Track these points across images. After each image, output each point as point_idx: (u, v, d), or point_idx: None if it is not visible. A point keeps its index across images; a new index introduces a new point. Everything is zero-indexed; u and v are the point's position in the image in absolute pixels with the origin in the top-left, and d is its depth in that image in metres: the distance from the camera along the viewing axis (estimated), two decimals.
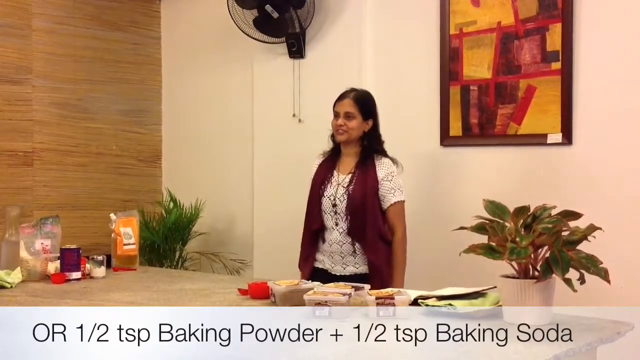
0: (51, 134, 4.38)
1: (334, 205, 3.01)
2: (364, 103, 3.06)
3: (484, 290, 2.19)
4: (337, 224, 3.02)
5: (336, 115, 3.06)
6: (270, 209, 4.17)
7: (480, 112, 3.39)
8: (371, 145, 3.07)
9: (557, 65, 3.15)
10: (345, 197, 3.00)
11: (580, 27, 3.11)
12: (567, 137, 3.14)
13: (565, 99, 3.13)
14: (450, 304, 2.09)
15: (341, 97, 3.08)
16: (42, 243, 3.03)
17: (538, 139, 3.21)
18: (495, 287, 2.09)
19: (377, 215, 3.00)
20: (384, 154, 3.08)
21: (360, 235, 2.99)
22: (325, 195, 3.05)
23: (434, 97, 3.53)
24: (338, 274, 3.01)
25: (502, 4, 3.31)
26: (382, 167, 3.03)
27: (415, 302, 2.19)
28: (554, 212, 2.01)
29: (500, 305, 2.05)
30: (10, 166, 4.21)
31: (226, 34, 4.25)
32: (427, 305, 2.15)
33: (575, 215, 2.02)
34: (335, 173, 3.09)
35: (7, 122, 4.19)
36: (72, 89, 4.48)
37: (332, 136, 3.12)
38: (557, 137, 3.16)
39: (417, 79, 3.62)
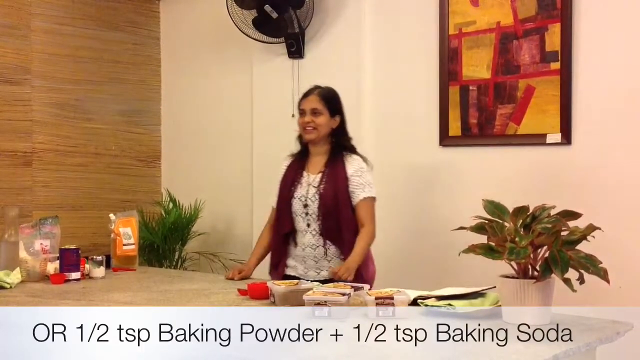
0: (50, 134, 4.38)
1: (306, 206, 2.92)
2: (330, 99, 2.99)
3: (483, 290, 2.19)
4: (309, 226, 2.93)
5: (302, 112, 2.99)
6: (270, 209, 4.16)
7: (479, 112, 3.39)
8: (340, 143, 3.00)
9: (556, 65, 3.15)
10: (317, 197, 2.91)
11: (579, 27, 3.11)
12: (566, 137, 3.14)
13: (564, 99, 3.14)
14: (449, 304, 2.09)
15: (306, 95, 3.02)
16: (41, 243, 3.04)
17: (537, 139, 3.21)
18: (495, 287, 2.09)
19: (349, 214, 2.91)
20: (353, 151, 3.01)
21: (334, 236, 2.90)
22: (295, 196, 2.96)
23: (433, 97, 3.53)
24: (311, 279, 2.81)
25: (501, 4, 3.31)
26: (352, 164, 2.95)
27: (414, 302, 2.19)
28: (553, 212, 2.02)
29: (500, 305, 2.06)
30: (10, 166, 4.21)
31: (225, 34, 4.24)
32: (426, 305, 2.15)
33: (575, 215, 2.02)
34: (304, 173, 3.00)
35: (7, 122, 4.19)
36: (71, 89, 4.47)
37: (299, 137, 3.05)
38: (556, 137, 3.16)
39: (416, 79, 3.62)
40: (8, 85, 4.20)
